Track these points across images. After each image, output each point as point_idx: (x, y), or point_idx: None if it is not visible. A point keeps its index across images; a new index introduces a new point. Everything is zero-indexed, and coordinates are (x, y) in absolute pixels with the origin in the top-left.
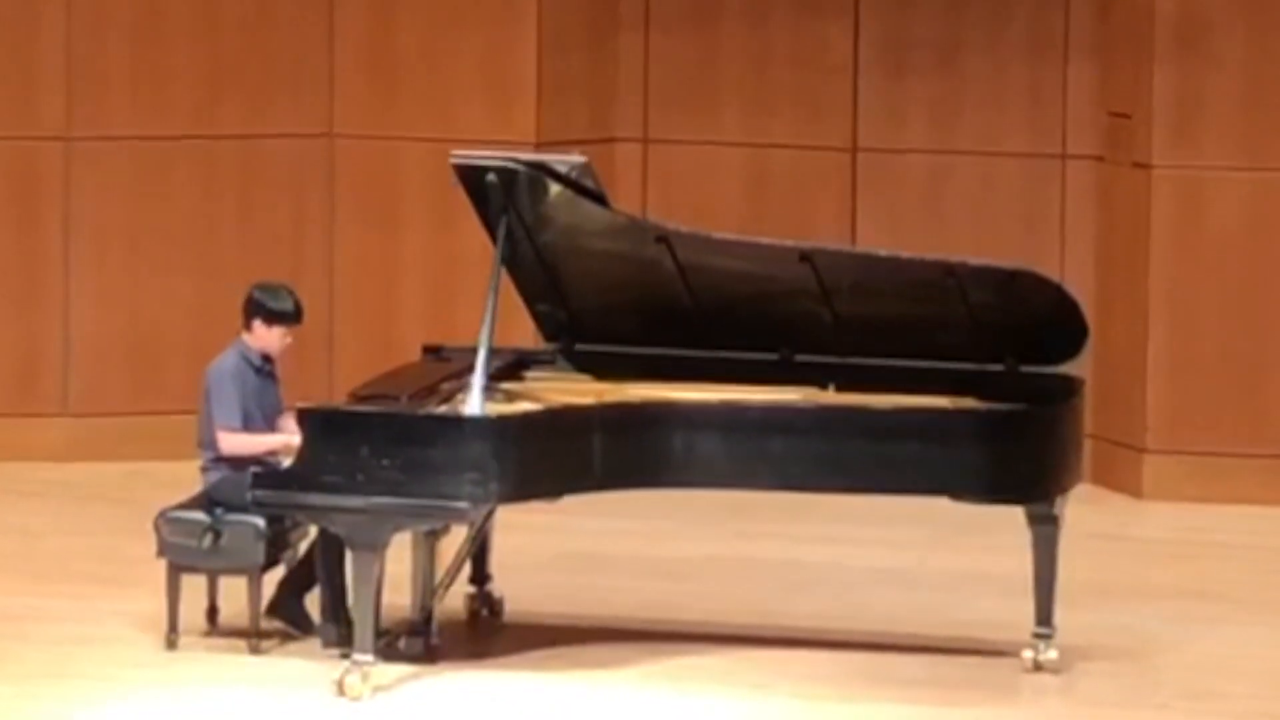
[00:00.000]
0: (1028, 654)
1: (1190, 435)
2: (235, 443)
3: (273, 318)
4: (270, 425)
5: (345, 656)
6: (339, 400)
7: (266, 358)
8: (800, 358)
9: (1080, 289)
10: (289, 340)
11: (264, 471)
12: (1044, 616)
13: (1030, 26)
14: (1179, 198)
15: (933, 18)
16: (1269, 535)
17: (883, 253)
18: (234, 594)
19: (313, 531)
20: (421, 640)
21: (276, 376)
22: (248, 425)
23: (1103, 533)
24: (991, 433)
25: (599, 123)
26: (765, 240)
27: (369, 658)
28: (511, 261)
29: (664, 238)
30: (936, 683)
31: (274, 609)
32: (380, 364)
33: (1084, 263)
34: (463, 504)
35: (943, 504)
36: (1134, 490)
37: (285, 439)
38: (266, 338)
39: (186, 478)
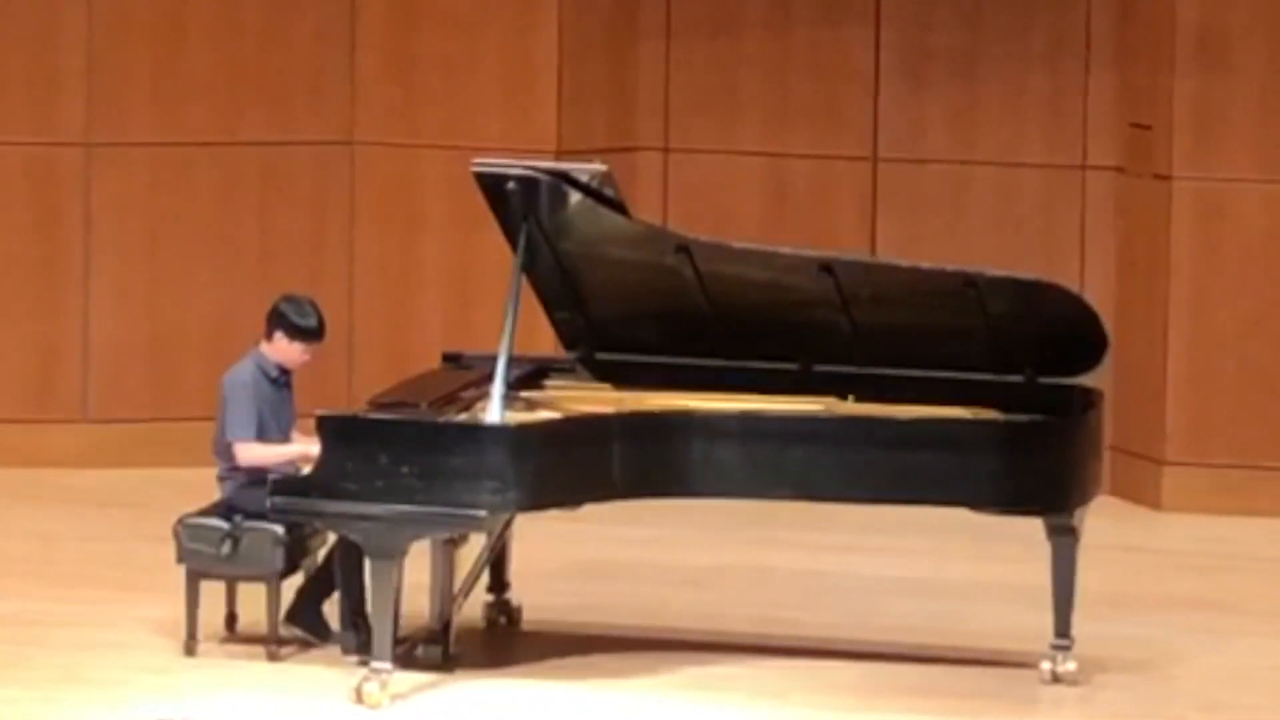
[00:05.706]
0: (1046, 665)
1: (1209, 447)
2: (251, 454)
3: (296, 333)
4: (286, 436)
5: (364, 664)
6: (358, 407)
7: (283, 369)
8: (819, 368)
9: (1100, 300)
10: (307, 357)
11: (283, 479)
12: (1062, 628)
13: (1050, 37)
14: (1199, 209)
15: (953, 28)
16: None
17: (902, 263)
18: (252, 601)
19: (331, 538)
20: (440, 648)
21: (291, 388)
22: (263, 436)
23: (1121, 544)
24: (1011, 444)
25: (619, 131)
26: (785, 250)
27: (387, 665)
28: (531, 269)
29: (684, 247)
30: (954, 693)
31: (292, 616)
32: (400, 371)
33: (1104, 274)
34: (481, 512)
35: (961, 514)
36: (1153, 502)
37: (302, 450)
38: (287, 351)
39: (205, 484)
